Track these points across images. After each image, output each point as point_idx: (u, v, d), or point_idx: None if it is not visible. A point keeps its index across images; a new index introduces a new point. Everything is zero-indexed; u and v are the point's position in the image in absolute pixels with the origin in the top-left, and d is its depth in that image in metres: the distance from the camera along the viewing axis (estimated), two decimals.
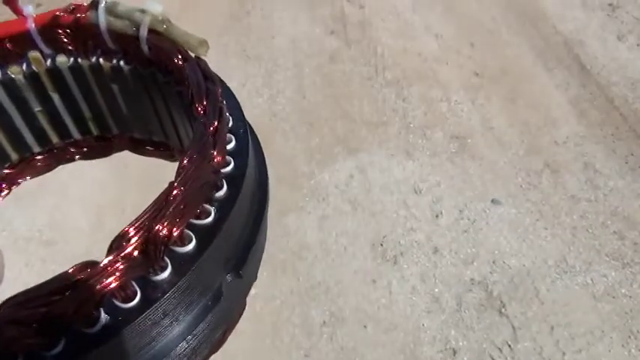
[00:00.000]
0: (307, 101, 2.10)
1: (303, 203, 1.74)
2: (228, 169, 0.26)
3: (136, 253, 0.21)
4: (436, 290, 1.55)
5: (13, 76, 0.32)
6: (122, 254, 0.21)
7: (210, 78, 0.29)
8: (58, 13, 0.31)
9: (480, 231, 1.68)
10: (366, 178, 1.82)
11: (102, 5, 0.31)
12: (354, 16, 2.52)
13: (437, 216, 1.72)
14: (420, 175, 1.84)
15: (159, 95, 0.33)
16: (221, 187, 0.25)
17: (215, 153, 0.25)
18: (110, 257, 0.21)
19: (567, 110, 2.10)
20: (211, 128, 0.26)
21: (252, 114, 2.02)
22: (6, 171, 0.35)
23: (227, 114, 0.29)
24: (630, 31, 2.46)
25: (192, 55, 0.30)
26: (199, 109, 0.27)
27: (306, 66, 2.25)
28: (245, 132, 0.29)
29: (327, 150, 1.91)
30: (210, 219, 0.24)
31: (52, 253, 1.53)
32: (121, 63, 0.32)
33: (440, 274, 1.58)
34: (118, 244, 0.21)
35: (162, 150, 0.38)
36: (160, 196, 0.23)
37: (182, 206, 0.22)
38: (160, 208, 0.22)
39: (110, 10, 0.31)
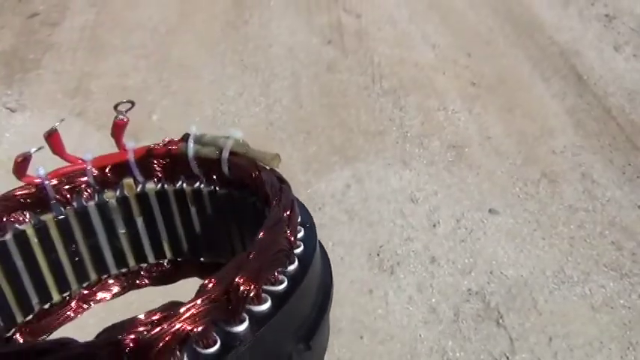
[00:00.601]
0: (304, 110, 2.09)
1: None
2: (299, 250, 0.29)
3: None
4: (433, 300, 1.53)
5: (107, 200, 0.36)
6: (207, 298, 0.22)
7: (283, 180, 0.32)
8: (152, 145, 0.35)
9: (477, 241, 1.67)
10: (362, 187, 1.81)
11: (191, 136, 0.34)
12: (351, 25, 2.53)
13: (434, 225, 1.71)
14: (417, 185, 1.83)
15: (232, 214, 0.36)
16: (293, 262, 0.27)
17: (289, 231, 0.27)
18: (197, 300, 0.22)
19: (564, 120, 2.10)
20: (285, 214, 0.28)
21: (248, 123, 2.02)
22: (85, 291, 0.38)
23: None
24: (627, 42, 2.46)
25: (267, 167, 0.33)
26: (274, 202, 0.30)
27: (303, 75, 2.25)
28: (312, 226, 0.32)
29: (323, 159, 1.90)
30: (283, 286, 0.26)
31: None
32: (202, 186, 0.36)
33: (437, 284, 1.57)
34: (202, 291, 0.23)
35: None
36: (240, 255, 0.25)
37: (260, 266, 0.24)
38: (240, 265, 0.24)
39: (198, 140, 0.34)
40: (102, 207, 0.36)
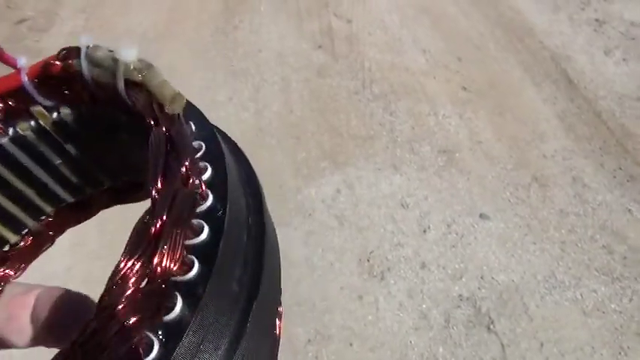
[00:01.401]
0: (294, 115, 2.08)
1: (289, 219, 1.71)
2: (207, 175, 0.24)
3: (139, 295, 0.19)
4: (424, 306, 1.52)
5: (22, 133, 0.31)
6: (126, 297, 0.19)
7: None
8: (50, 61, 0.29)
9: (468, 246, 1.66)
10: (352, 192, 1.80)
11: (83, 52, 0.28)
12: (341, 30, 2.52)
13: (424, 231, 1.70)
14: (407, 190, 1.82)
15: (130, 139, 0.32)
16: (206, 197, 0.23)
17: (186, 162, 0.23)
18: (118, 306, 0.19)
19: (555, 124, 2.10)
20: (165, 135, 0.24)
21: (238, 128, 2.00)
22: (44, 224, 0.34)
23: (189, 123, 0.27)
24: (617, 46, 2.47)
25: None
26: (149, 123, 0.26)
27: (293, 80, 2.24)
28: (212, 135, 0.27)
29: (313, 164, 1.89)
30: (205, 234, 0.21)
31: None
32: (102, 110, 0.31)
33: (427, 289, 1.55)
34: (116, 287, 0.19)
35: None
36: (137, 226, 0.21)
37: (173, 232, 0.20)
38: (149, 240, 0.20)
39: (91, 58, 0.29)
40: (20, 141, 0.31)
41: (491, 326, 1.47)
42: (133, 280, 0.19)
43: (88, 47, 0.28)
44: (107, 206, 0.37)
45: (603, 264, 1.63)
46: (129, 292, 0.19)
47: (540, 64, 2.38)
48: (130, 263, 0.20)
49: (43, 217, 0.34)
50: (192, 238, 0.21)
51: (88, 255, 1.56)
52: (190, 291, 0.20)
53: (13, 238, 0.33)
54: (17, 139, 0.31)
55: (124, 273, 0.19)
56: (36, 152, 0.32)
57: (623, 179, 1.89)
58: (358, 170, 1.87)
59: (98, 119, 0.32)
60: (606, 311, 1.52)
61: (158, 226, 0.20)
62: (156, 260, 0.20)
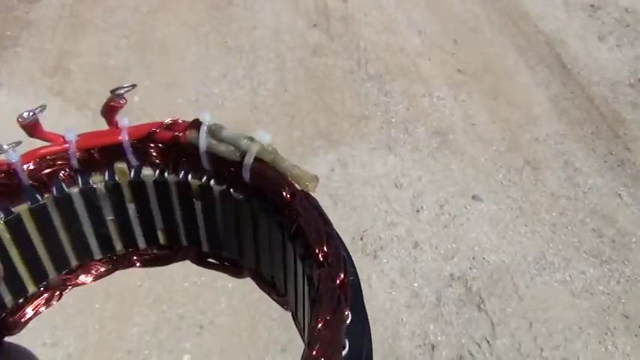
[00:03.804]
0: (289, 94, 2.07)
1: None
2: (347, 322, 0.24)
3: None
4: (416, 285, 1.53)
5: (94, 185, 0.31)
6: None
7: (325, 219, 0.27)
8: (154, 129, 0.30)
9: (460, 226, 1.68)
10: (347, 171, 1.80)
11: (205, 127, 0.29)
12: (337, 10, 2.50)
13: (418, 211, 1.71)
14: (401, 170, 1.82)
15: (248, 218, 0.31)
16: (345, 347, 0.23)
17: (347, 312, 0.23)
18: None
19: (548, 108, 2.11)
20: (338, 282, 0.24)
21: (233, 106, 1.99)
22: (63, 277, 0.33)
23: None
24: (611, 32, 2.48)
25: (299, 188, 0.29)
26: (320, 255, 0.25)
27: (288, 58, 2.22)
28: (356, 280, 0.26)
29: (308, 143, 1.88)
30: None
31: None
32: (211, 182, 0.31)
33: (420, 268, 1.57)
34: None
35: (230, 266, 0.36)
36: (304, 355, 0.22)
37: None
38: None
39: (213, 133, 0.29)
40: (87, 193, 0.31)
41: (482, 305, 1.49)
42: None
43: (209, 124, 0.29)
44: (130, 267, 0.36)
45: (592, 247, 1.66)
46: None
47: (535, 48, 2.39)
48: None
49: (65, 271, 0.33)
50: None
51: None
52: None
53: (31, 288, 0.32)
54: (85, 191, 0.31)
55: None
56: (95, 206, 0.32)
57: (614, 164, 1.91)
58: (353, 150, 1.87)
59: (181, 185, 0.31)
60: (594, 293, 1.55)
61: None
62: None
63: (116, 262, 0.35)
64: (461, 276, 1.56)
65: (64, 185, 0.30)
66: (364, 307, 0.27)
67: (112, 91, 0.30)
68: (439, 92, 2.13)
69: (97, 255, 0.34)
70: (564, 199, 1.79)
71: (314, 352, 0.21)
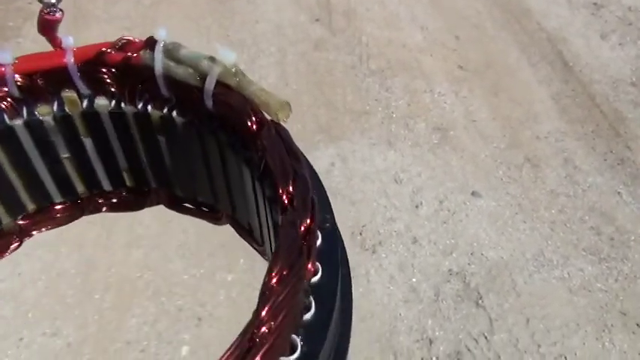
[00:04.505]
0: (290, 88, 2.07)
1: None
2: (316, 278, 0.21)
3: None
4: (414, 280, 1.54)
5: (40, 117, 0.27)
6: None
7: (295, 155, 0.24)
8: (104, 49, 0.26)
9: (459, 222, 1.68)
10: (346, 166, 1.80)
11: (160, 46, 0.26)
12: (339, 4, 2.50)
13: (417, 206, 1.71)
14: (401, 166, 1.82)
15: (216, 155, 0.28)
16: (309, 308, 0.20)
17: (309, 265, 0.20)
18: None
19: (549, 106, 2.11)
20: (302, 228, 0.21)
21: None
22: (20, 222, 0.30)
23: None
24: (613, 30, 2.47)
25: (268, 117, 0.25)
26: (284, 197, 0.22)
27: (290, 53, 2.22)
28: (333, 226, 0.23)
29: (308, 137, 1.89)
30: (296, 355, 0.19)
31: None
32: (174, 113, 0.27)
33: (418, 264, 1.57)
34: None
35: (207, 211, 0.33)
36: (247, 328, 0.19)
37: (272, 344, 0.19)
38: (247, 348, 0.18)
39: (170, 54, 0.26)
40: (33, 126, 0.26)
41: (480, 301, 1.50)
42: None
43: (166, 43, 0.25)
44: (96, 212, 0.32)
45: (591, 244, 1.66)
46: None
47: (537, 45, 2.38)
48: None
49: (21, 215, 0.29)
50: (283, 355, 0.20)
51: (81, 219, 1.55)
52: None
53: None
54: (31, 124, 0.27)
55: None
56: (45, 141, 0.28)
57: (614, 162, 1.91)
58: (353, 144, 1.87)
59: (140, 117, 0.28)
60: (592, 290, 1.55)
61: (260, 334, 0.19)
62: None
63: (80, 207, 0.31)
64: (459, 272, 1.56)
65: (5, 116, 0.26)
66: (346, 262, 0.23)
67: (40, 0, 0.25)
68: (440, 88, 2.13)
69: (57, 198, 0.30)
70: (564, 197, 1.79)
71: (261, 315, 0.18)
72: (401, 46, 2.31)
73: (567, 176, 1.85)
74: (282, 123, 0.25)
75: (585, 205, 1.77)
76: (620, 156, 1.94)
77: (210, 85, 0.25)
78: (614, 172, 1.88)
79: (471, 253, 1.60)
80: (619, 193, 1.81)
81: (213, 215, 0.32)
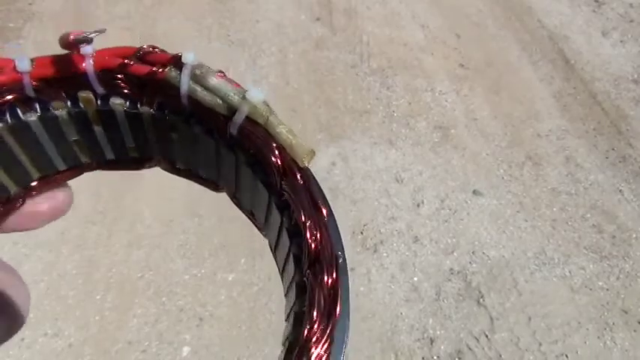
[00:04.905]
0: (291, 87, 2.07)
1: None
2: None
3: None
4: (415, 279, 1.54)
5: (56, 112, 0.27)
6: None
7: (317, 206, 0.25)
8: (127, 61, 0.26)
9: (460, 221, 1.68)
10: (347, 165, 1.80)
11: (187, 71, 0.26)
12: (340, 3, 2.50)
13: (418, 205, 1.71)
14: (402, 164, 1.82)
15: (231, 167, 0.28)
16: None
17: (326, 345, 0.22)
18: None
19: (551, 104, 2.10)
20: (329, 284, 0.23)
21: None
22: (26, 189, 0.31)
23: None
24: (615, 28, 2.47)
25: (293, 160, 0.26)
26: (311, 252, 0.24)
27: (291, 52, 2.22)
28: (344, 260, 0.24)
29: (309, 136, 1.89)
30: None
31: (24, 235, 1.49)
32: (192, 120, 0.27)
33: (419, 263, 1.57)
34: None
35: (208, 180, 0.33)
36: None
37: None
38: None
39: (197, 79, 0.26)
40: (48, 121, 0.27)
41: (481, 300, 1.50)
42: None
43: (194, 68, 0.26)
44: (96, 169, 0.33)
45: (592, 242, 1.66)
46: None
47: (538, 43, 2.38)
48: None
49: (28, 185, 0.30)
50: None
51: (82, 220, 1.55)
52: None
53: None
54: (46, 120, 0.27)
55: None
56: (57, 131, 0.28)
57: (616, 160, 1.91)
58: (354, 143, 1.87)
59: (157, 119, 0.28)
60: (593, 288, 1.55)
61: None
62: None
63: (80, 169, 0.32)
64: (460, 270, 1.56)
65: (19, 112, 0.26)
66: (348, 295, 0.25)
67: (73, 36, 0.26)
68: (441, 87, 2.12)
69: (61, 166, 0.31)
70: (565, 195, 1.78)
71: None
72: (402, 44, 2.31)
73: (569, 174, 1.85)
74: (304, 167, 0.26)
75: (587, 203, 1.77)
76: (621, 153, 1.93)
77: (238, 119, 0.25)
78: (615, 169, 1.88)
79: (472, 252, 1.60)
80: (620, 190, 1.81)
81: (214, 186, 0.33)
